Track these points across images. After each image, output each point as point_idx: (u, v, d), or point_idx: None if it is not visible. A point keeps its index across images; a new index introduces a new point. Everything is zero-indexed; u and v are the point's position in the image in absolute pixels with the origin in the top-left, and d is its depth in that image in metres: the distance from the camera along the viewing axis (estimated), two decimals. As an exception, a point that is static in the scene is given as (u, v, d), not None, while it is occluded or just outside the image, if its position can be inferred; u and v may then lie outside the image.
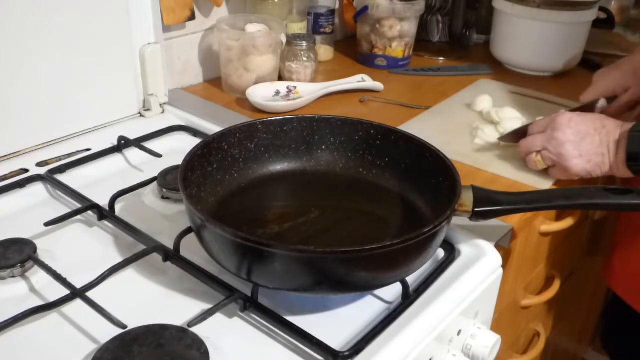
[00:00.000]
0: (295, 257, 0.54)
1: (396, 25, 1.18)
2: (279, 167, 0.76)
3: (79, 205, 0.73)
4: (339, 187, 0.75)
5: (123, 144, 0.87)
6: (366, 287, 0.61)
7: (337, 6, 1.26)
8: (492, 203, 0.64)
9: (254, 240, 0.54)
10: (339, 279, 0.56)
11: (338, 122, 0.76)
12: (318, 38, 1.21)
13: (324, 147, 0.77)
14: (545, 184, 0.82)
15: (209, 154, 0.69)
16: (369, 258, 0.55)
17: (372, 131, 0.75)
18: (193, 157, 0.66)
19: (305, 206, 0.71)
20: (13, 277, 0.62)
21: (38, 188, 0.78)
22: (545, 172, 0.83)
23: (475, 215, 0.64)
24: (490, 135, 0.93)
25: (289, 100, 1.02)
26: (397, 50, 1.21)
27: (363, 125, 0.75)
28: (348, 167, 0.76)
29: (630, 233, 0.94)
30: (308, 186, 0.75)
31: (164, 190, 0.76)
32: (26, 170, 0.80)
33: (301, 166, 0.76)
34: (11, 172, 0.79)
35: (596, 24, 1.23)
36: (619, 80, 0.91)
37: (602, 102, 0.91)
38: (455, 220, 0.64)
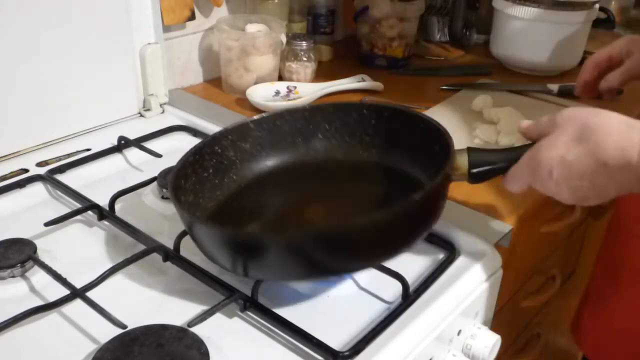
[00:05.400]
0: (281, 241, 0.54)
1: (396, 25, 1.18)
2: (277, 162, 0.74)
3: (79, 205, 0.73)
4: (341, 173, 0.74)
5: (123, 144, 0.87)
6: (365, 263, 0.60)
7: (337, 6, 1.26)
8: (487, 163, 0.62)
9: (241, 233, 0.53)
10: (331, 258, 0.56)
11: (330, 109, 0.75)
12: (318, 38, 1.21)
13: (320, 135, 0.75)
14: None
15: (202, 160, 0.68)
16: (358, 236, 0.54)
17: (364, 111, 0.73)
18: (185, 165, 0.65)
19: (310, 198, 0.70)
20: (13, 277, 0.62)
21: (38, 188, 0.78)
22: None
23: (472, 177, 0.61)
24: (489, 135, 0.93)
25: (289, 100, 1.02)
26: (397, 50, 1.21)
27: (355, 107, 0.74)
28: (347, 151, 0.75)
29: (603, 286, 0.84)
30: (310, 177, 0.74)
31: (164, 190, 0.76)
32: (26, 170, 0.80)
33: (300, 158, 0.75)
34: (11, 172, 0.79)
35: (596, 24, 1.23)
36: (624, 43, 0.85)
37: None
38: (456, 220, 0.63)
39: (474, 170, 0.61)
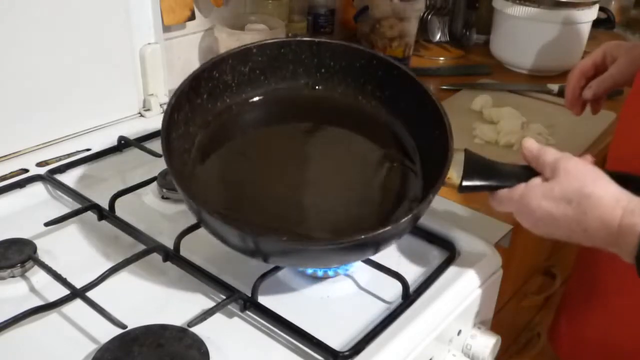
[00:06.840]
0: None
1: (396, 25, 1.18)
2: (274, 89, 0.72)
3: (79, 205, 0.73)
4: (335, 114, 0.71)
5: (123, 144, 0.87)
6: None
7: (337, 6, 1.26)
8: (479, 177, 0.60)
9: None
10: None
11: (341, 47, 0.72)
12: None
13: (323, 70, 0.72)
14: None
15: (198, 87, 0.66)
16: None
17: (374, 61, 0.70)
18: (180, 97, 0.63)
19: (297, 136, 0.69)
20: (13, 277, 0.62)
21: (38, 188, 0.78)
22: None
23: (461, 188, 0.60)
24: (489, 135, 0.93)
25: (289, 100, 1.02)
26: (397, 50, 1.21)
27: (365, 53, 0.71)
28: (347, 93, 0.72)
29: (581, 295, 0.82)
30: (303, 111, 0.71)
31: (164, 190, 0.76)
32: (26, 170, 0.80)
33: (298, 89, 0.72)
34: (11, 172, 0.79)
35: (596, 24, 1.23)
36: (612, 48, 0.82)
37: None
38: (456, 220, 0.63)
39: (465, 184, 0.60)
